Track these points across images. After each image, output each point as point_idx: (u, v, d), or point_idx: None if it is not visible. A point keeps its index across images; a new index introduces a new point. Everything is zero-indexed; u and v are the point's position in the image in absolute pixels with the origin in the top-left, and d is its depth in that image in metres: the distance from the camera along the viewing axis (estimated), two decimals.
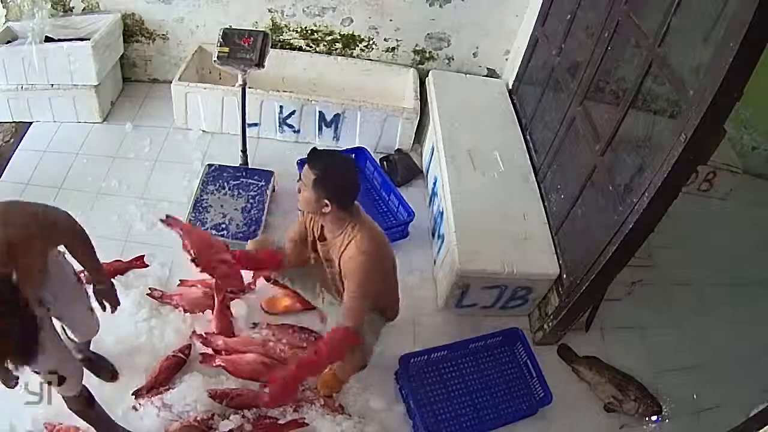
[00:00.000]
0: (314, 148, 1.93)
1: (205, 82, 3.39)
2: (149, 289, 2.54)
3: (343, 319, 1.94)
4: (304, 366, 1.92)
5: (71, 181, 3.01)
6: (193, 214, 2.77)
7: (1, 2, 3.19)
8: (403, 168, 3.31)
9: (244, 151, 3.02)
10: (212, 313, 2.47)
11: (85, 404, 1.88)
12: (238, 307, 2.51)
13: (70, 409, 1.88)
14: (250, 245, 2.30)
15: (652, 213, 1.97)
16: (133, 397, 2.18)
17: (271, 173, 3.03)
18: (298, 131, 3.39)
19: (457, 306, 2.67)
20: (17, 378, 1.49)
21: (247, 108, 2.85)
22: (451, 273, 2.52)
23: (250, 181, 2.98)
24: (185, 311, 2.49)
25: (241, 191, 2.92)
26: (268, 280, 2.40)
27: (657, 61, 1.99)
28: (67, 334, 1.99)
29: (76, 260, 1.76)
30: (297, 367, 1.91)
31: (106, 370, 2.23)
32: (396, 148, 3.43)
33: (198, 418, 2.11)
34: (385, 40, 3.52)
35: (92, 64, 3.10)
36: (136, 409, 2.15)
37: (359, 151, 3.26)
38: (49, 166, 3.08)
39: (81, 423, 1.99)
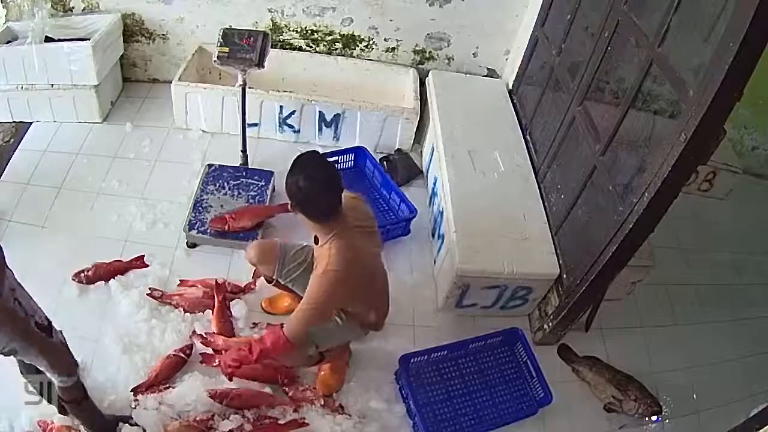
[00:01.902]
0: (304, 152, 1.91)
1: (205, 82, 3.38)
2: (149, 289, 2.54)
3: (287, 323, 1.92)
4: (238, 358, 2.01)
5: (71, 181, 3.01)
6: (193, 214, 2.78)
7: (1, 2, 3.19)
8: (403, 168, 3.31)
9: (244, 151, 3.02)
10: (212, 313, 2.47)
11: (80, 396, 1.89)
12: (238, 307, 2.51)
13: (64, 402, 1.89)
14: (251, 250, 2.29)
15: (652, 213, 1.97)
16: (132, 393, 2.18)
17: (271, 173, 3.03)
18: (298, 131, 3.39)
19: (457, 306, 2.67)
20: None
21: (247, 108, 2.86)
22: (451, 273, 2.52)
23: (250, 181, 2.98)
24: (185, 311, 2.49)
25: (241, 191, 2.92)
26: (269, 281, 2.40)
27: (657, 61, 1.99)
28: None
29: None
30: (232, 357, 2.02)
31: None
32: (396, 148, 3.43)
33: (198, 418, 2.11)
34: (385, 40, 3.52)
35: (92, 64, 3.10)
36: (134, 406, 2.15)
37: (359, 150, 3.26)
38: (49, 166, 3.08)
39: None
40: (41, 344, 1.62)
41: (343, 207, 1.90)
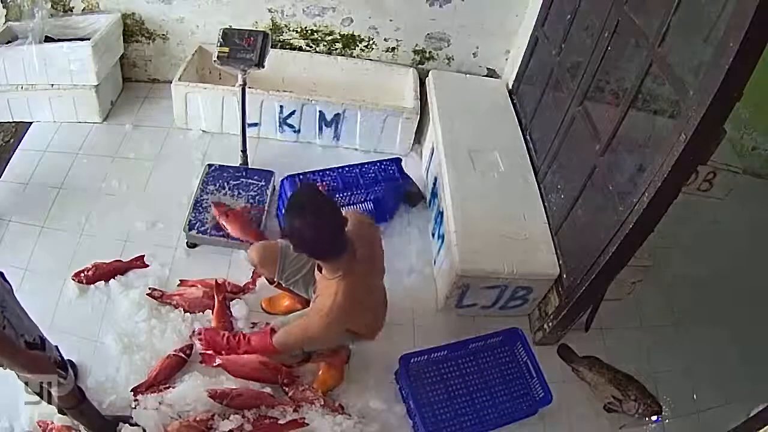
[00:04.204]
0: (299, 190, 1.91)
1: (205, 82, 3.38)
2: (149, 289, 2.54)
3: (279, 334, 1.94)
4: (224, 347, 2.05)
5: (71, 181, 3.01)
6: (193, 214, 2.78)
7: (1, 2, 3.19)
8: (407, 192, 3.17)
9: (244, 151, 3.02)
10: (212, 313, 2.47)
11: (77, 401, 1.88)
12: (238, 307, 2.52)
13: (61, 406, 1.88)
14: (252, 252, 2.29)
15: (652, 213, 1.97)
16: (132, 393, 2.19)
17: (271, 173, 3.03)
18: (298, 131, 3.39)
19: (457, 306, 2.67)
20: None
21: (247, 108, 2.86)
22: (451, 273, 2.52)
23: (250, 181, 2.98)
24: (185, 311, 2.49)
25: (241, 191, 2.92)
26: (271, 283, 2.41)
27: (657, 61, 1.99)
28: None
29: None
30: (220, 344, 2.06)
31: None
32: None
33: (198, 418, 2.11)
34: (385, 40, 3.52)
35: (92, 64, 3.09)
36: (134, 406, 2.15)
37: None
38: (49, 166, 3.08)
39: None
40: (27, 363, 1.61)
41: (348, 234, 1.81)
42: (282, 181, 2.87)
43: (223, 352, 2.16)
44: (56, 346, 1.80)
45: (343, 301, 1.81)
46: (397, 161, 3.07)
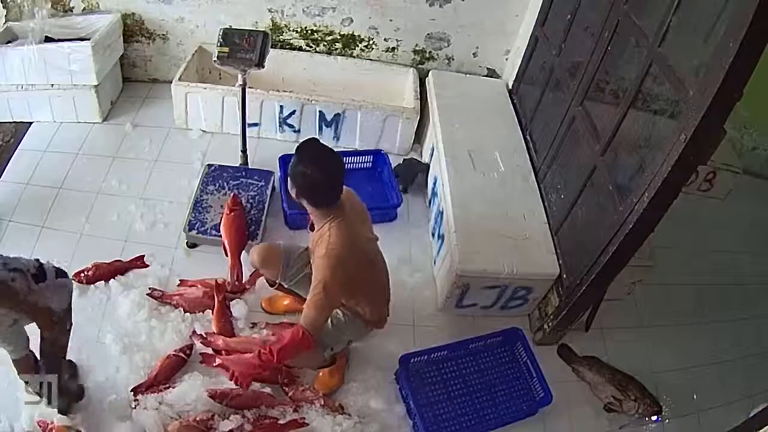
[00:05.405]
0: (307, 140, 1.95)
1: (205, 82, 3.39)
2: (149, 289, 2.54)
3: (303, 316, 1.92)
4: (260, 365, 1.95)
5: (71, 181, 3.01)
6: (193, 214, 2.78)
7: (1, 2, 3.19)
8: (407, 171, 3.26)
9: (244, 151, 3.02)
10: (212, 313, 2.47)
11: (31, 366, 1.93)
12: (238, 307, 2.52)
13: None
14: (254, 253, 2.29)
15: (652, 213, 1.97)
16: (132, 393, 2.19)
17: (271, 173, 3.04)
18: (299, 131, 3.39)
19: (457, 306, 2.67)
20: None
21: (247, 108, 2.86)
22: (451, 273, 2.52)
23: (250, 181, 2.99)
24: (185, 311, 2.49)
25: (241, 191, 2.92)
26: (272, 285, 2.40)
27: (657, 61, 1.99)
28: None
29: None
30: (253, 365, 1.96)
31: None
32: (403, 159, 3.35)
33: (198, 418, 2.11)
34: (385, 40, 3.52)
35: (92, 64, 3.10)
36: (134, 406, 2.15)
37: (377, 155, 3.28)
38: (49, 166, 3.08)
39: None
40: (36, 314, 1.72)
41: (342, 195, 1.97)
42: (281, 157, 3.04)
43: (260, 372, 2.06)
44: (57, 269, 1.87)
45: (337, 238, 1.90)
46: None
